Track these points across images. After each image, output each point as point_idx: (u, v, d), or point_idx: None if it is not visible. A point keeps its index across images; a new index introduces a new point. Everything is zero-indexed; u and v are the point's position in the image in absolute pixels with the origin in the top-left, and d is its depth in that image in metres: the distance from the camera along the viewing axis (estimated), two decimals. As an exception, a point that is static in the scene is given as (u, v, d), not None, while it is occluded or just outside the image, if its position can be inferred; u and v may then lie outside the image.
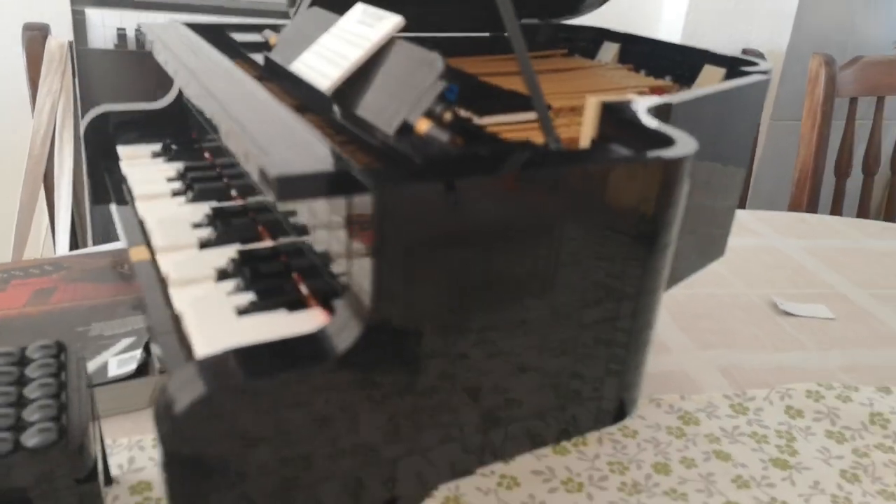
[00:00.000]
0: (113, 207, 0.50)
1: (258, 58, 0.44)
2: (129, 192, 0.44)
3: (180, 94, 0.50)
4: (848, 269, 0.81)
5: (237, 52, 0.43)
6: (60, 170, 1.06)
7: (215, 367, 0.22)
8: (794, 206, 1.28)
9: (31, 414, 0.34)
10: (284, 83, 0.38)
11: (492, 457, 0.27)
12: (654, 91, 0.52)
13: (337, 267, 0.27)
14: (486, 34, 0.60)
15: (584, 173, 0.25)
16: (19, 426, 0.34)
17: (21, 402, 0.35)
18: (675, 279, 0.45)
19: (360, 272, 0.23)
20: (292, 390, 0.22)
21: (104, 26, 0.87)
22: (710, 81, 0.52)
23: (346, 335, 0.23)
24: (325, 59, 0.36)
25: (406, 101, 0.30)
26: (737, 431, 0.52)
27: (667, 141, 0.28)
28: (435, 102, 0.29)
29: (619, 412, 0.31)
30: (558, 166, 0.25)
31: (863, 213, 1.36)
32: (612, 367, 0.29)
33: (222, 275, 0.31)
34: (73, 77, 0.98)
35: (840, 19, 1.47)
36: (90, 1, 0.86)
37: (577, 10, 0.59)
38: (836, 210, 1.37)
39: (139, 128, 0.49)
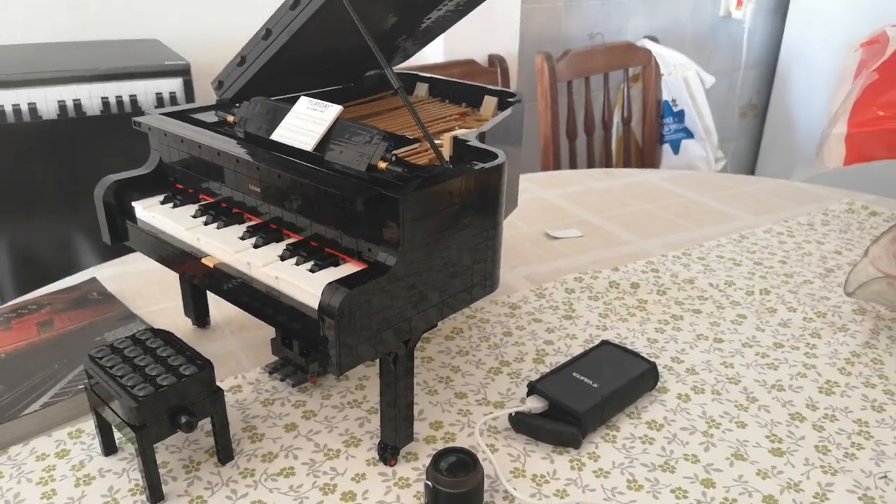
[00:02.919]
0: (130, 242, 0.71)
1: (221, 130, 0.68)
2: (156, 229, 0.67)
3: (160, 160, 0.72)
4: (586, 204, 1.23)
5: (214, 129, 0.68)
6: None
7: (338, 289, 0.50)
8: (545, 166, 1.73)
9: (174, 362, 0.58)
10: (263, 147, 0.64)
11: (448, 312, 0.58)
12: (461, 115, 0.85)
13: (360, 236, 0.56)
14: (338, 86, 0.88)
15: (471, 177, 0.56)
16: (171, 368, 0.57)
17: (160, 359, 0.59)
18: (510, 209, 0.79)
19: (390, 234, 0.52)
20: (379, 287, 0.51)
21: (-16, 104, 0.99)
22: (489, 106, 0.86)
23: (389, 262, 0.52)
24: (297, 132, 0.63)
25: (366, 154, 0.58)
26: (541, 307, 0.88)
27: (494, 155, 0.60)
28: (385, 152, 0.58)
29: (493, 286, 0.63)
30: (461, 175, 0.56)
31: (591, 162, 1.85)
32: (488, 264, 0.61)
33: (283, 258, 0.58)
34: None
35: (550, 24, 1.95)
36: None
37: (403, 58, 0.90)
38: (573, 163, 1.84)
39: (136, 188, 0.71)
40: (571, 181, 1.34)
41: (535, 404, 0.66)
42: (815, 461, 0.63)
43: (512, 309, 0.88)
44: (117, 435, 0.63)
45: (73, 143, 1.06)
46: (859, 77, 1.03)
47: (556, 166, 1.71)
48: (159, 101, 1.12)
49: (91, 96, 1.07)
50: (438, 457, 0.56)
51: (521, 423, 0.66)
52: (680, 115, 1.94)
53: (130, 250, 1.01)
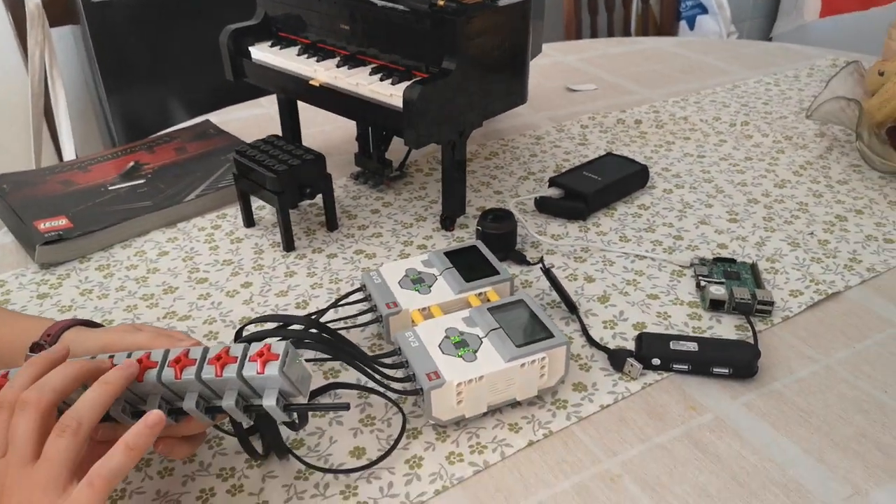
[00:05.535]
0: (248, 76, 0.94)
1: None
2: (270, 65, 0.89)
3: (265, 14, 0.94)
4: (601, 65, 1.42)
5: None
6: (56, 99, 1.37)
7: (415, 87, 0.72)
8: (568, 37, 1.90)
9: (296, 153, 0.82)
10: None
11: (490, 114, 0.81)
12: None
13: (426, 58, 0.77)
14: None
15: (505, 9, 0.77)
16: (296, 156, 0.81)
17: (286, 151, 0.82)
18: (533, 55, 1.00)
19: (450, 49, 0.74)
20: (443, 85, 0.73)
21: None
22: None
23: (451, 66, 0.74)
24: (374, -16, 0.84)
25: (428, -5, 0.79)
26: (560, 138, 1.10)
27: (523, -5, 0.81)
28: (443, -7, 0.79)
29: (523, 99, 0.85)
30: (501, 4, 0.77)
31: (611, 37, 2.01)
32: (518, 79, 0.83)
33: (372, 73, 0.80)
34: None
35: None
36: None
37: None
38: (594, 37, 2.00)
39: (248, 35, 0.93)
40: (589, 48, 1.53)
41: (553, 192, 0.90)
42: (761, 224, 0.86)
43: (537, 139, 1.10)
44: (256, 213, 0.88)
45: (170, 17, 1.27)
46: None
47: (579, 37, 1.88)
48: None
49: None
50: (485, 213, 0.80)
51: (543, 204, 0.89)
52: (695, -8, 2.07)
53: (226, 104, 1.24)
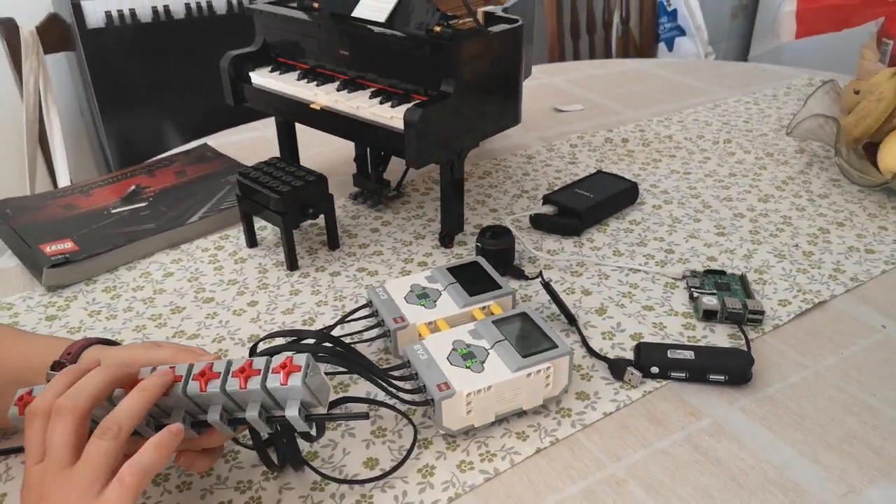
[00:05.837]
0: (248, 101, 0.96)
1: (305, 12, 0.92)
2: (270, 89, 0.92)
3: (264, 40, 0.96)
4: (587, 87, 1.46)
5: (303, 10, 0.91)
6: (51, 125, 1.38)
7: (416, 109, 0.75)
8: (552, 60, 1.94)
9: (298, 174, 0.84)
10: (346, 21, 0.87)
11: (486, 134, 0.83)
12: (485, 1, 1.07)
13: (424, 81, 0.80)
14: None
15: (500, 33, 0.80)
16: (298, 178, 0.83)
17: (289, 173, 0.84)
18: (525, 76, 1.03)
19: (448, 73, 0.77)
20: (442, 108, 0.76)
21: (95, 11, 1.21)
22: (509, -6, 1.09)
23: (449, 89, 0.77)
24: (372, 9, 0.86)
25: (425, 20, 0.82)
26: (551, 157, 1.13)
27: (515, 20, 0.84)
28: (441, 19, 0.82)
29: (517, 120, 0.88)
30: (493, 31, 0.80)
31: (591, 58, 2.06)
32: (513, 101, 0.86)
33: (372, 97, 0.83)
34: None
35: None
36: (83, -6, 1.21)
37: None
38: (577, 59, 2.05)
39: (248, 61, 0.95)
40: (574, 69, 1.57)
41: (548, 209, 0.92)
42: (748, 238, 0.90)
43: (528, 159, 1.13)
44: (258, 233, 0.90)
45: (165, 44, 1.29)
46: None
47: (563, 60, 1.93)
48: (230, 7, 1.34)
49: (176, 2, 1.29)
50: (484, 230, 0.83)
51: (538, 221, 0.92)
52: (673, 14, 2.13)
53: (222, 128, 1.26)
